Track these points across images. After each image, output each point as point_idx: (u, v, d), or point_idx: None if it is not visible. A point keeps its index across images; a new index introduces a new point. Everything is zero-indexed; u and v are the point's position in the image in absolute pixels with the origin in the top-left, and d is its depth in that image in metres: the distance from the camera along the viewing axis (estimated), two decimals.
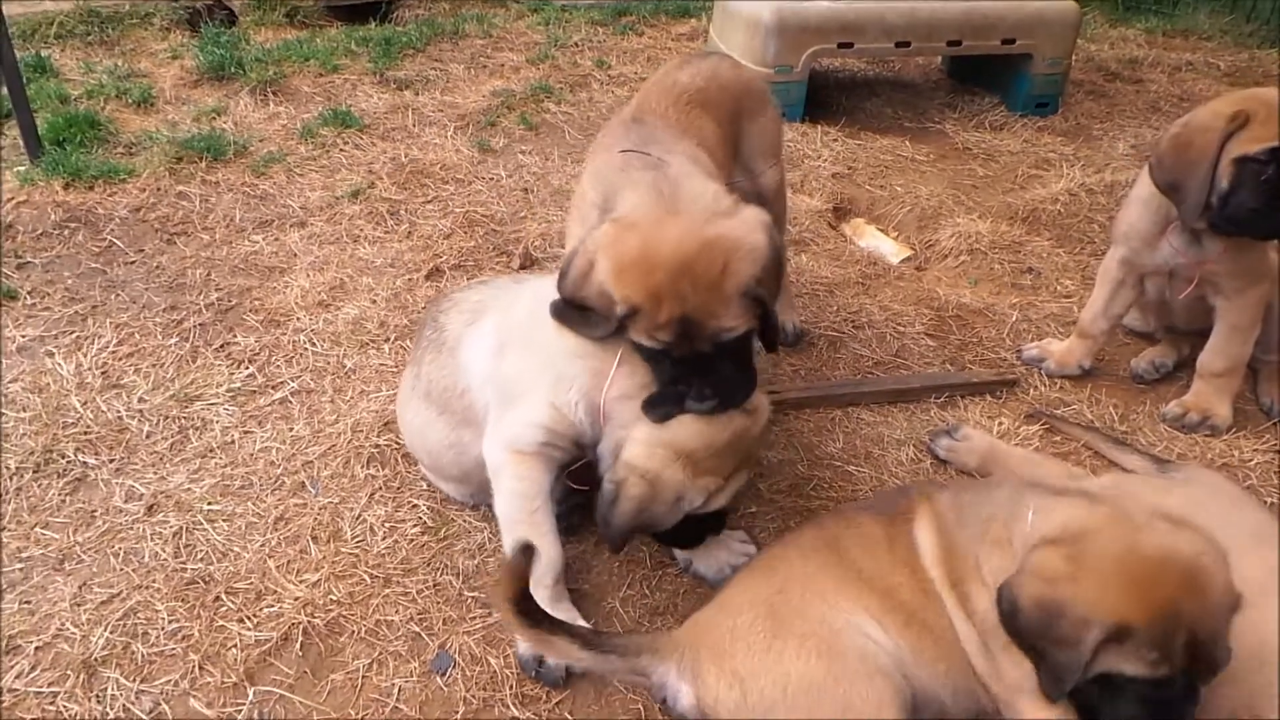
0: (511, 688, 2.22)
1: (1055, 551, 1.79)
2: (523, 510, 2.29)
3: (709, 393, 2.19)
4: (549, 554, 2.28)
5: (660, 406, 2.19)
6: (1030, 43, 5.55)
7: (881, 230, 4.46)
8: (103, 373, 3.18)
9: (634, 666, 2.07)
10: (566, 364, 2.24)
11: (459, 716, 2.16)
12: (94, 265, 3.76)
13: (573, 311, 2.25)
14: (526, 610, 2.00)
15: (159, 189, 4.29)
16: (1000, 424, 3.12)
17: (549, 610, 2.26)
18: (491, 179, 4.62)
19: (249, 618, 2.36)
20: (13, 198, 4.07)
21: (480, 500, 2.68)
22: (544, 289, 2.33)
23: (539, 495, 2.29)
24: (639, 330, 2.17)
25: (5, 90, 4.33)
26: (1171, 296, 3.16)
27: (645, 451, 2.14)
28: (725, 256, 2.13)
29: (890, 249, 4.29)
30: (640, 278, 2.12)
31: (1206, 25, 7.58)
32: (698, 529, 2.31)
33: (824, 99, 5.78)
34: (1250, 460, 2.99)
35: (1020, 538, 1.89)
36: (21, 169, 4.30)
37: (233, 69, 5.51)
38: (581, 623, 2.30)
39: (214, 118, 5.07)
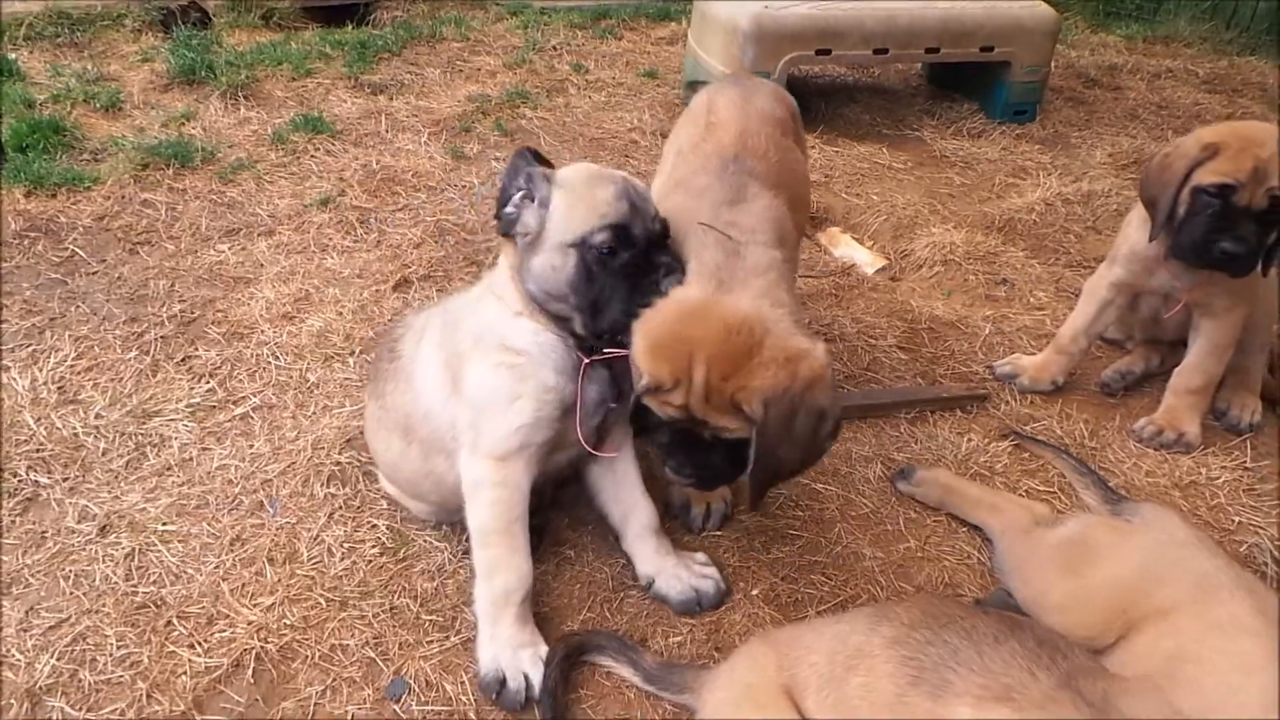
0: (468, 715, 2.18)
1: None
2: (502, 520, 2.26)
3: (689, 471, 2.26)
4: (521, 571, 2.27)
5: (645, 434, 2.30)
6: (1009, 50, 5.53)
7: (857, 239, 4.43)
8: (59, 387, 3.12)
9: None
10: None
11: None
12: (54, 276, 3.69)
13: None
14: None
15: (123, 197, 4.22)
16: (970, 440, 3.09)
17: (515, 631, 2.24)
18: (464, 187, 4.56)
19: (200, 643, 2.31)
20: None
21: (448, 519, 2.63)
22: (475, 295, 2.40)
23: (519, 504, 2.27)
24: (651, 399, 2.16)
25: None
26: (1166, 316, 3.15)
27: None
28: (749, 361, 2.07)
29: (865, 259, 4.27)
30: (665, 361, 2.10)
31: (1187, 31, 7.57)
32: None
33: (802, 105, 5.60)
34: (1218, 479, 2.98)
35: None
36: None
37: (204, 73, 5.43)
38: (544, 647, 2.27)
39: (183, 123, 4.99)
